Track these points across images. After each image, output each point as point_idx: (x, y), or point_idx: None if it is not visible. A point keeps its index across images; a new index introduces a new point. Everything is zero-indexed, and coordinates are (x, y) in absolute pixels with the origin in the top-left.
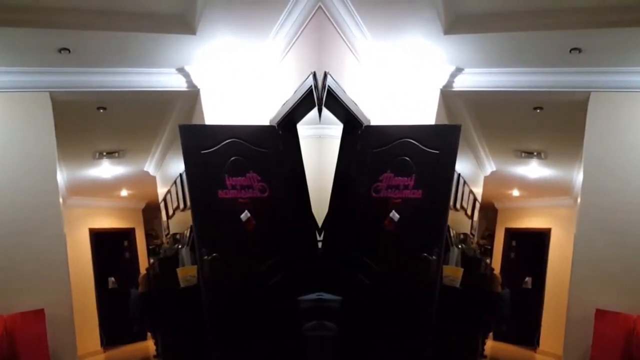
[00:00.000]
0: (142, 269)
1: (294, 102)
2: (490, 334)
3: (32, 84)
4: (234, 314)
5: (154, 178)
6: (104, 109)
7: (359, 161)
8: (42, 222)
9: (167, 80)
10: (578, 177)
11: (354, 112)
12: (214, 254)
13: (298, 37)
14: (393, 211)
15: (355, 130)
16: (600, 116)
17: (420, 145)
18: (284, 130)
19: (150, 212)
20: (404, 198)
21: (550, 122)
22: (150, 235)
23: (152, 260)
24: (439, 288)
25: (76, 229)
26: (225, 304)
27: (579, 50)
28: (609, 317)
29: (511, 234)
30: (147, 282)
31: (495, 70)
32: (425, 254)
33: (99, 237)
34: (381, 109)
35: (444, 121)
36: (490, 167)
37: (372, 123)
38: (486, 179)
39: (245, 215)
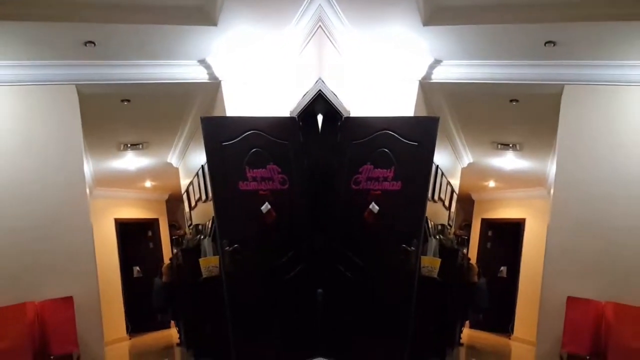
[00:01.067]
0: (166, 259)
1: (313, 94)
2: (467, 322)
3: (58, 77)
4: (254, 304)
5: (176, 170)
6: (128, 101)
7: (339, 153)
8: (70, 213)
9: (189, 72)
10: (552, 168)
11: (334, 103)
12: (235, 245)
13: (318, 27)
14: (373, 203)
15: (335, 121)
16: (573, 109)
17: (400, 137)
18: (304, 121)
19: (173, 203)
20: (383, 190)
21: (526, 114)
22: (173, 226)
23: (175, 251)
24: (418, 278)
25: (102, 219)
26: (246, 295)
27: (554, 43)
28: (580, 304)
29: (487, 224)
30: (171, 272)
31: (473, 63)
32: (404, 245)
33: (124, 227)
34: (361, 100)
35: (423, 113)
36: (467, 158)
37: (352, 114)
38: (463, 170)
39: (265, 207)
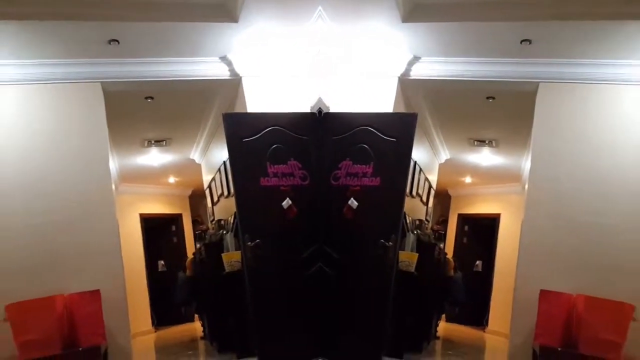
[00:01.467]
0: (189, 254)
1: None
2: (443, 316)
3: (84, 75)
4: (276, 299)
5: (199, 166)
6: (152, 98)
7: (319, 149)
8: (97, 208)
9: (211, 68)
10: (526, 164)
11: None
12: (257, 241)
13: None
14: (352, 198)
15: (315, 117)
16: (548, 106)
17: (379, 133)
18: (325, 117)
19: (196, 198)
20: (362, 186)
21: (502, 111)
22: (196, 221)
23: (198, 245)
24: (395, 273)
25: (128, 214)
26: (268, 290)
27: (529, 41)
28: (552, 297)
29: (464, 219)
30: (194, 266)
31: (451, 60)
32: (382, 240)
33: (148, 222)
34: (340, 96)
35: (402, 109)
36: (445, 155)
37: (332, 110)
38: (441, 166)
39: (286, 202)
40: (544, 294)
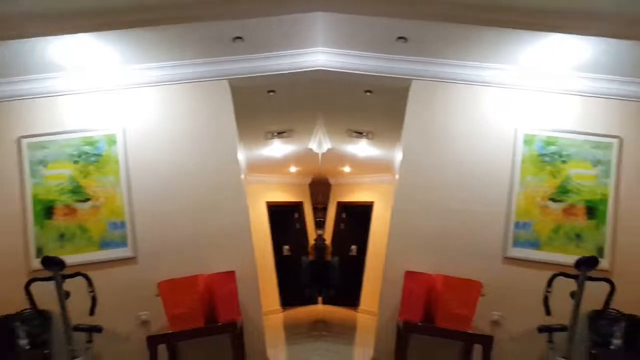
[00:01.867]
0: (311, 239)
1: None
2: (320, 298)
3: (213, 74)
4: None
5: (317, 155)
6: (273, 91)
7: None
8: (230, 197)
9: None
10: (398, 156)
11: None
12: None
13: None
14: None
15: None
16: (419, 102)
17: None
18: None
19: (316, 186)
20: None
21: (378, 105)
22: (316, 209)
23: (319, 232)
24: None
25: (256, 202)
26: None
27: (405, 39)
28: (415, 277)
29: (342, 207)
30: (316, 251)
31: (331, 51)
32: None
33: (274, 209)
34: None
35: None
36: (326, 144)
37: None
38: (323, 155)
39: None
40: (409, 274)
